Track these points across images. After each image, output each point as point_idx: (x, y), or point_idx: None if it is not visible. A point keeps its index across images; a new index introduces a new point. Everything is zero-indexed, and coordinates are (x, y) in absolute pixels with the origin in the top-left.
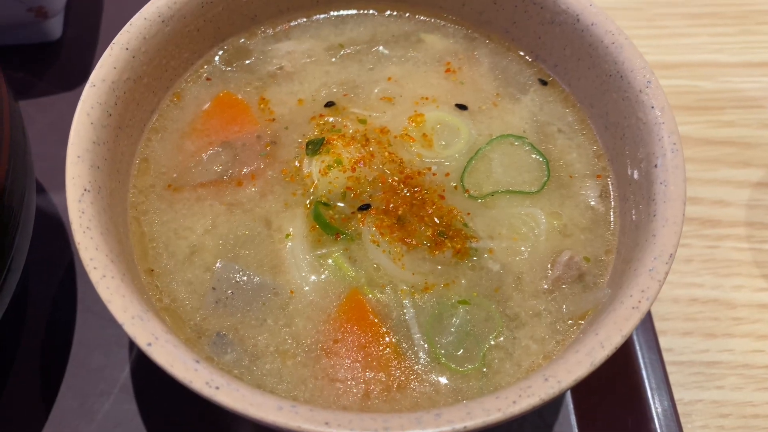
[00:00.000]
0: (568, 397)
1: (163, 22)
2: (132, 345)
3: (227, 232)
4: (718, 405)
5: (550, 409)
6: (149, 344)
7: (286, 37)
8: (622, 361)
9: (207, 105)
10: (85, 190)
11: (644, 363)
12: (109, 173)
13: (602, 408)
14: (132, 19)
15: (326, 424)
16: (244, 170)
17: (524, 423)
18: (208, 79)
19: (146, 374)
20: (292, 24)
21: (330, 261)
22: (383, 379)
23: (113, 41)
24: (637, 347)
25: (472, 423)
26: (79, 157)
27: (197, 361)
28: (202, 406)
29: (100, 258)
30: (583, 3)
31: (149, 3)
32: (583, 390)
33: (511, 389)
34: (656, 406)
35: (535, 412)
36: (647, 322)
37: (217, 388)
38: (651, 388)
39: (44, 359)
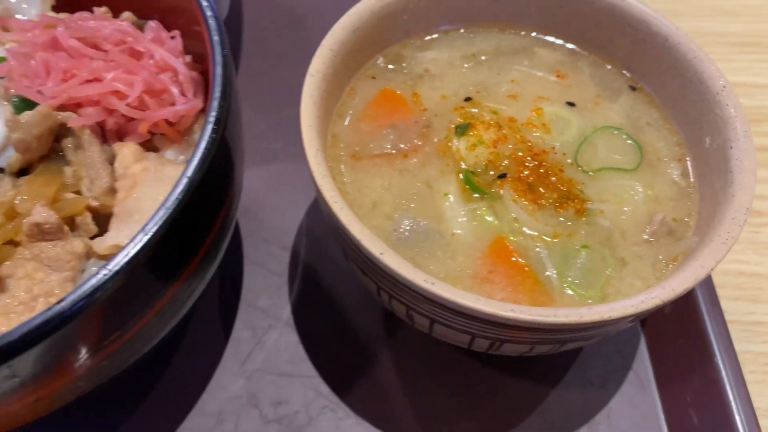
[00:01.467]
0: (643, 343)
1: (354, 31)
2: (291, 289)
3: (399, 191)
4: (764, 356)
5: (628, 348)
6: (381, 253)
7: (429, 47)
8: (687, 314)
9: (373, 97)
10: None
11: (707, 314)
12: None
13: (671, 347)
14: (335, 28)
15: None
16: (408, 146)
17: (608, 360)
18: (373, 77)
19: (305, 312)
20: (434, 37)
21: (479, 213)
22: (527, 300)
23: (322, 43)
24: (701, 301)
25: (612, 314)
26: (309, 126)
27: (413, 267)
28: (349, 335)
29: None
30: (671, 27)
31: (347, 16)
32: (657, 330)
33: (637, 296)
34: (718, 348)
35: (616, 351)
36: (709, 283)
37: (432, 284)
38: (713, 334)
39: (221, 301)
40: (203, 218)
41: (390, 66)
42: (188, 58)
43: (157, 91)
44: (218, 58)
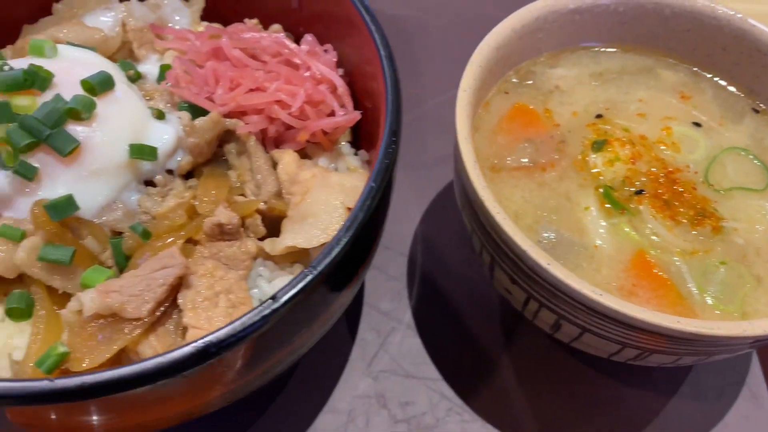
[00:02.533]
0: (755, 357)
1: (497, 49)
2: (410, 293)
3: (540, 203)
4: None
5: (740, 362)
6: (548, 264)
7: (557, 64)
8: None
9: (507, 111)
10: None
11: None
12: None
13: None
14: (482, 45)
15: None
16: (545, 160)
17: (722, 374)
18: (506, 92)
19: (425, 316)
20: (562, 55)
21: (620, 228)
22: (671, 313)
23: (471, 60)
24: None
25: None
26: (465, 139)
27: (579, 279)
28: (468, 339)
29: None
30: None
31: (492, 33)
32: None
33: None
34: None
35: (728, 365)
36: None
37: (600, 295)
38: None
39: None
40: (377, 222)
41: (522, 82)
42: (341, 71)
43: (315, 101)
44: (388, 72)
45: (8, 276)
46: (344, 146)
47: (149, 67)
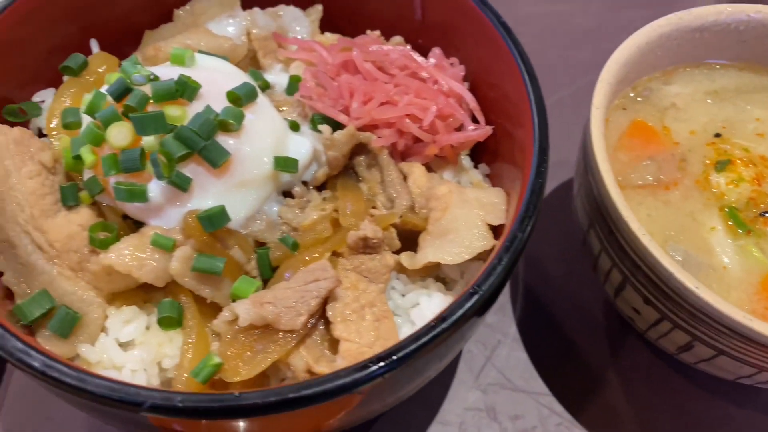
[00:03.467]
0: None
1: (624, 65)
2: (515, 307)
3: (665, 222)
4: None
5: None
6: (696, 287)
7: (672, 81)
8: None
9: (626, 128)
10: None
11: None
12: None
13: None
14: (610, 63)
15: None
16: (668, 178)
17: None
18: (624, 108)
19: (530, 330)
20: (677, 72)
21: (747, 249)
22: None
23: (601, 77)
24: None
25: None
26: (603, 159)
27: (728, 303)
28: (575, 354)
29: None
30: None
31: (620, 50)
32: None
33: None
34: None
35: None
36: None
37: (751, 320)
38: None
39: None
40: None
41: (638, 98)
42: (466, 84)
43: (445, 115)
44: (531, 88)
45: (158, 284)
46: (465, 159)
47: (275, 77)
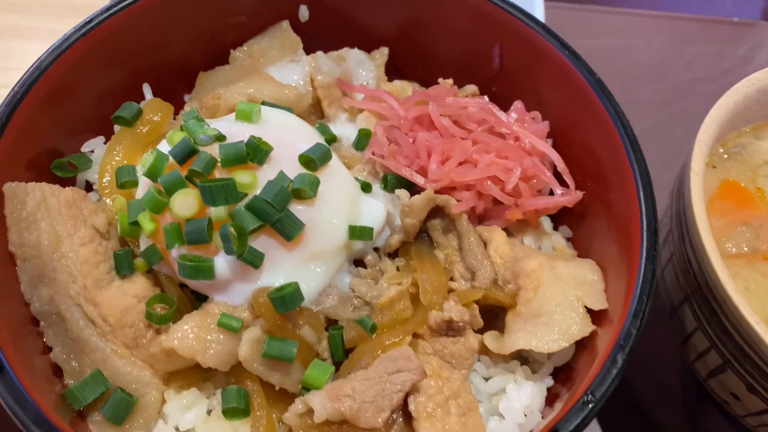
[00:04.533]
0: None
1: (719, 124)
2: None
3: (765, 296)
4: None
5: None
6: None
7: (765, 136)
8: None
9: (716, 189)
10: None
11: None
12: None
13: None
14: (707, 123)
15: None
16: (766, 247)
17: None
18: (713, 167)
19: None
20: (767, 127)
21: None
22: None
23: (699, 138)
24: None
25: None
26: (707, 231)
27: None
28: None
29: None
30: None
31: (716, 109)
32: None
33: None
34: None
35: None
36: None
37: None
38: None
39: None
40: None
41: (728, 155)
42: (550, 141)
43: (528, 176)
44: (634, 156)
45: (223, 369)
46: (545, 221)
47: (341, 128)
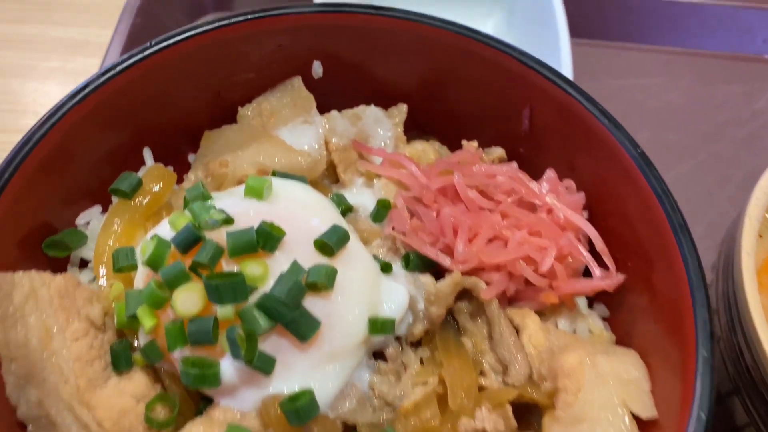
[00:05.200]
0: None
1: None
2: None
3: None
4: None
5: None
6: None
7: None
8: None
9: (762, 261)
10: None
11: None
12: None
13: None
14: (757, 200)
15: None
16: None
17: None
18: (759, 236)
19: None
20: None
21: None
22: None
23: (748, 213)
24: None
25: None
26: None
27: None
28: None
29: None
30: None
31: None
32: None
33: None
34: None
35: None
36: None
37: None
38: None
39: None
40: None
41: None
42: (586, 213)
43: (563, 255)
44: (687, 250)
45: None
46: (581, 301)
47: (357, 195)
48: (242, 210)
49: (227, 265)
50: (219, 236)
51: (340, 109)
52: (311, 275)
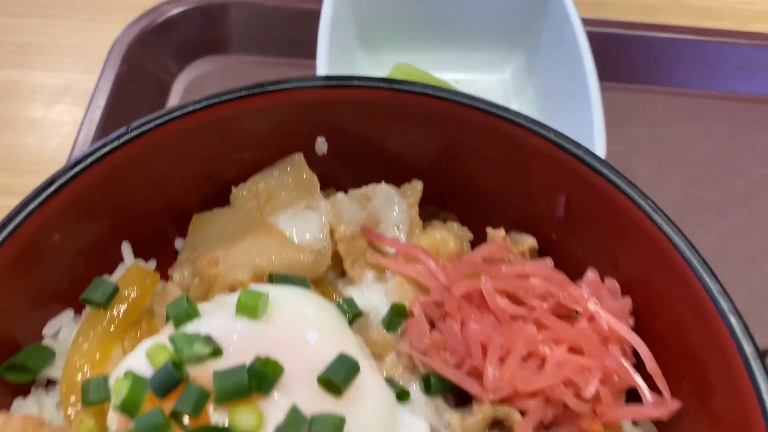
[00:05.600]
0: None
1: None
2: None
3: None
4: None
5: None
6: None
7: None
8: None
9: None
10: None
11: None
12: None
13: None
14: None
15: None
16: None
17: None
18: None
19: None
20: None
21: None
22: None
23: None
24: None
25: None
26: None
27: None
28: None
29: None
30: None
31: None
32: None
33: None
34: None
35: None
36: None
37: None
38: None
39: None
40: None
41: None
42: (631, 319)
43: (608, 374)
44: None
45: None
46: (627, 425)
47: (367, 296)
48: (233, 334)
49: (215, 411)
50: (205, 372)
51: (347, 187)
52: (315, 426)
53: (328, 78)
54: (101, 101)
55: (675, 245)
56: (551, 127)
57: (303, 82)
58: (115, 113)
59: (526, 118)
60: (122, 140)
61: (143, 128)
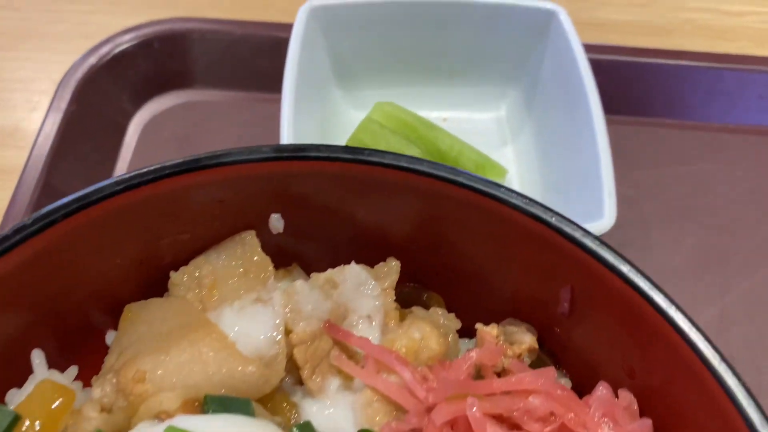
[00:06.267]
0: None
1: None
2: None
3: None
4: None
5: None
6: None
7: None
8: None
9: None
10: None
11: None
12: None
13: None
14: None
15: None
16: None
17: None
18: None
19: None
20: None
21: None
22: None
23: None
24: None
25: None
26: None
27: None
28: None
29: None
30: None
31: None
32: None
33: None
34: None
35: None
36: None
37: None
38: None
39: None
40: None
41: None
42: None
43: None
44: None
45: None
46: None
47: (330, 412)
48: None
49: None
50: None
51: (309, 269)
52: None
53: (278, 149)
54: (45, 148)
55: (718, 379)
56: (551, 209)
57: (247, 155)
58: (60, 160)
59: (521, 197)
60: (36, 226)
61: (60, 213)
